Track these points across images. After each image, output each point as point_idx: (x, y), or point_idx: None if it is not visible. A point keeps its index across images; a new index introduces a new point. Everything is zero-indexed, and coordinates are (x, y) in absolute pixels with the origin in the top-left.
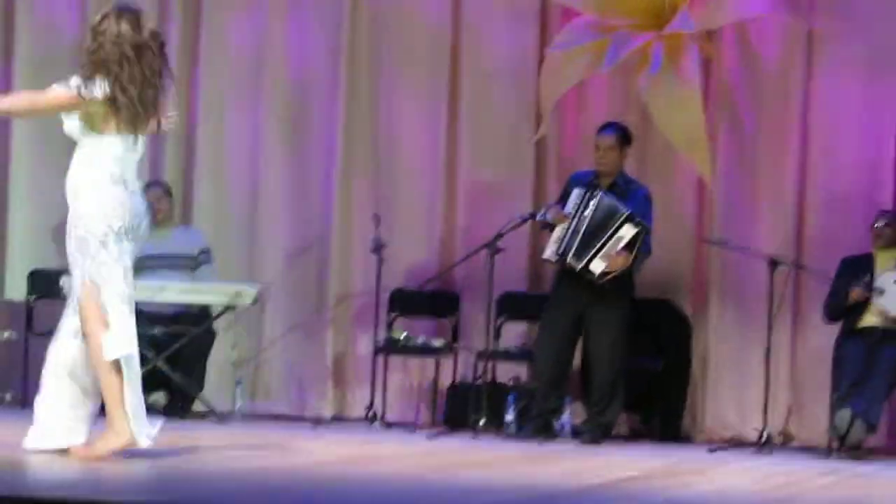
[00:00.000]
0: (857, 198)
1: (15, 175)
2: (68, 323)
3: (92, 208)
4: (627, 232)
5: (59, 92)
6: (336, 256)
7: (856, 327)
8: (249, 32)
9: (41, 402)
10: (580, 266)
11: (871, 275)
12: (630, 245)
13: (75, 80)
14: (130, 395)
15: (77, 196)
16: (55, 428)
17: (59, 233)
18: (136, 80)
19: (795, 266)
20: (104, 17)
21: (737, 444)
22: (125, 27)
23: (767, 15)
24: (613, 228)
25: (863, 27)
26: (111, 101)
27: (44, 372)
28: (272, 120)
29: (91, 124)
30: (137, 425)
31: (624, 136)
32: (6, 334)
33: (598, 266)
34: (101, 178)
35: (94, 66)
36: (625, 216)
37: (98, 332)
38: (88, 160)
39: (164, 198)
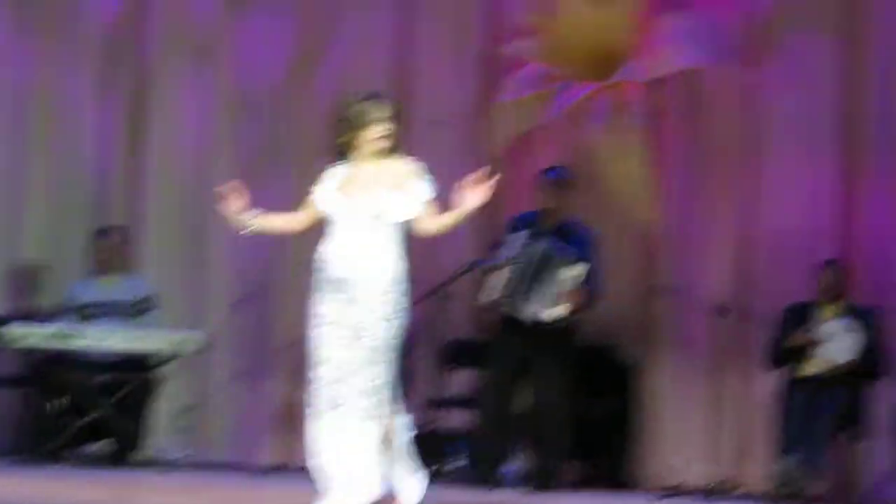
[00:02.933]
0: (803, 246)
1: None
2: None
3: None
4: (567, 273)
5: None
6: (279, 304)
7: (798, 376)
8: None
9: None
10: (526, 316)
11: (811, 322)
12: (574, 285)
13: None
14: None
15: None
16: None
17: None
18: None
19: (741, 314)
20: None
21: (682, 491)
22: None
23: (715, 64)
24: (553, 274)
25: (807, 81)
26: None
27: None
28: (220, 167)
29: None
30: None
31: (567, 179)
32: None
33: (547, 314)
34: None
35: None
36: (561, 261)
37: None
38: None
39: (122, 245)
